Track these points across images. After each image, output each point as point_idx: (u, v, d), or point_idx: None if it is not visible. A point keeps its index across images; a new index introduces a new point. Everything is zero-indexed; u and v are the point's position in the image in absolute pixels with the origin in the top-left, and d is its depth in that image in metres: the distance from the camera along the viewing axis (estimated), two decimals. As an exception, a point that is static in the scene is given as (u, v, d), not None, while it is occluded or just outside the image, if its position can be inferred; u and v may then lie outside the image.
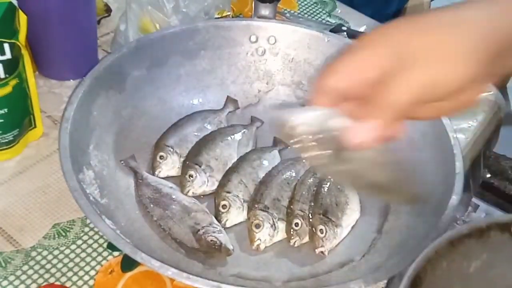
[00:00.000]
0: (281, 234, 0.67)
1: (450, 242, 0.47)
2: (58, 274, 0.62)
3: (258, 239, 0.65)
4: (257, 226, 0.66)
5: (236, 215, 0.68)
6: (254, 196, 0.69)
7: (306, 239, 0.66)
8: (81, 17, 0.79)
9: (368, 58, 0.44)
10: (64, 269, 0.62)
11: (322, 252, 0.64)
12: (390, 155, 0.46)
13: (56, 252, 0.63)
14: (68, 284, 0.61)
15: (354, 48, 0.45)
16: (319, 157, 0.45)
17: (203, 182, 0.70)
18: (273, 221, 0.67)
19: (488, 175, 1.32)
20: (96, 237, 0.65)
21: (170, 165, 0.72)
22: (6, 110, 0.69)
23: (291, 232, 0.66)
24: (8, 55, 0.66)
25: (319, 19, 1.01)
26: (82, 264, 0.63)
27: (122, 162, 0.70)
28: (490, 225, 0.48)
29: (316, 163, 0.47)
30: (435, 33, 0.44)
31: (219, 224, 0.66)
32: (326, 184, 0.70)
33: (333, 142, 0.44)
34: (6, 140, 0.71)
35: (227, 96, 0.81)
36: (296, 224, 0.67)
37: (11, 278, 0.61)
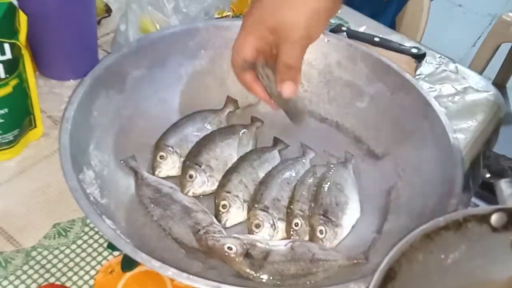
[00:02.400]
0: (281, 234, 0.67)
1: (425, 235, 0.46)
2: (58, 274, 0.62)
3: (258, 239, 0.65)
4: (257, 226, 0.66)
5: (236, 215, 0.68)
6: (254, 196, 0.69)
7: (306, 239, 0.67)
8: (81, 17, 0.80)
9: (250, 42, 0.64)
10: (65, 269, 0.62)
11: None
12: None
13: (56, 252, 0.64)
14: (68, 283, 0.61)
15: (240, 33, 0.65)
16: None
17: (203, 182, 0.70)
18: (273, 221, 0.67)
19: (488, 175, 1.33)
20: (96, 237, 0.65)
21: (170, 165, 0.72)
22: (6, 110, 0.69)
23: (291, 232, 0.67)
24: (8, 55, 0.66)
25: (319, 19, 1.01)
26: (83, 263, 0.63)
27: (122, 162, 0.70)
28: (467, 217, 0.47)
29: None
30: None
31: (219, 224, 0.66)
32: (326, 184, 0.70)
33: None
34: (7, 140, 0.71)
35: (227, 96, 0.81)
36: (296, 224, 0.67)
37: (12, 278, 0.61)
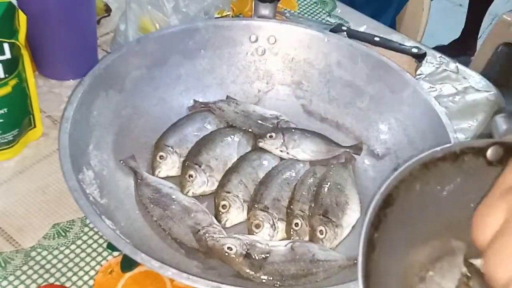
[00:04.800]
0: (281, 234, 0.67)
1: (424, 164, 0.45)
2: (57, 274, 0.62)
3: (258, 239, 0.65)
4: (257, 226, 0.66)
5: (236, 215, 0.68)
6: (254, 196, 0.69)
7: (306, 239, 0.66)
8: (81, 17, 0.79)
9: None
10: (64, 269, 0.62)
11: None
12: None
13: (55, 252, 0.63)
14: (67, 284, 0.61)
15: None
16: None
17: (203, 182, 0.70)
18: (273, 221, 0.67)
19: (488, 175, 1.32)
20: (95, 237, 0.65)
21: (170, 165, 0.72)
22: (5, 110, 0.69)
23: (291, 232, 0.66)
24: (7, 55, 0.66)
25: (319, 19, 1.01)
26: (82, 264, 0.63)
27: (122, 162, 0.70)
28: (464, 149, 0.46)
29: None
30: None
31: (219, 224, 0.66)
32: (326, 184, 0.70)
33: None
34: (6, 140, 0.71)
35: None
36: (296, 224, 0.67)
37: (11, 278, 0.61)
